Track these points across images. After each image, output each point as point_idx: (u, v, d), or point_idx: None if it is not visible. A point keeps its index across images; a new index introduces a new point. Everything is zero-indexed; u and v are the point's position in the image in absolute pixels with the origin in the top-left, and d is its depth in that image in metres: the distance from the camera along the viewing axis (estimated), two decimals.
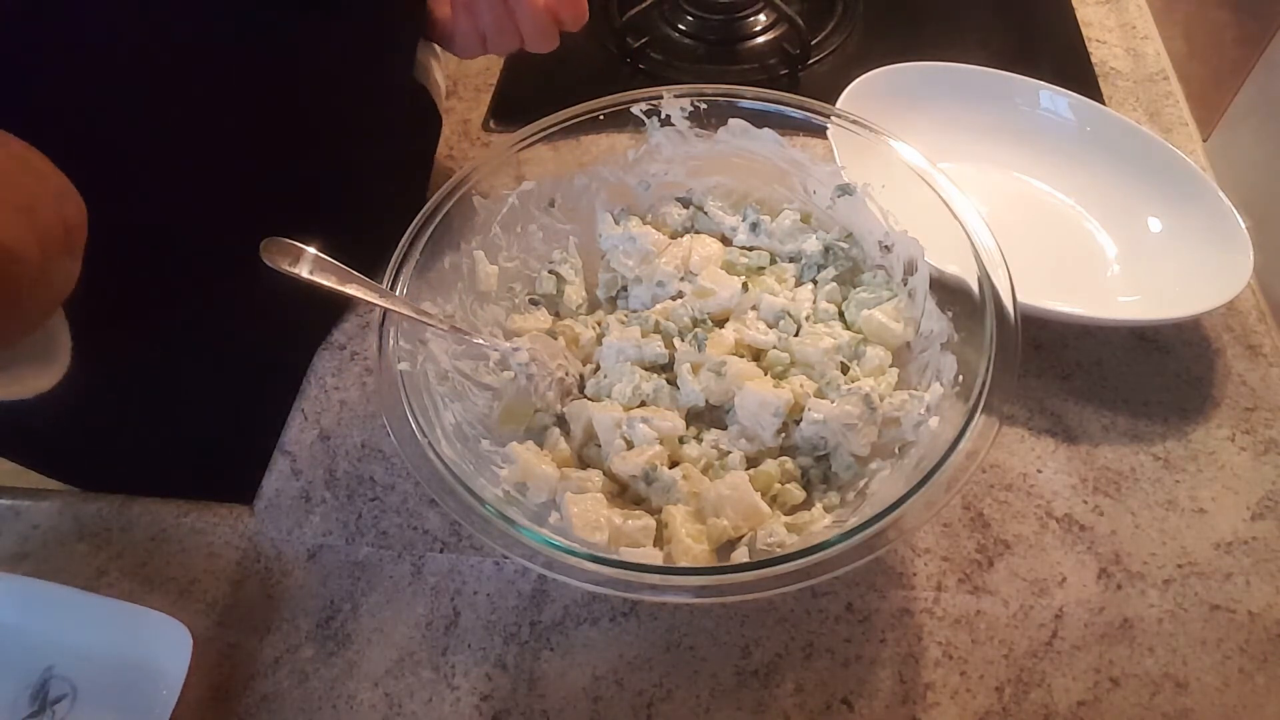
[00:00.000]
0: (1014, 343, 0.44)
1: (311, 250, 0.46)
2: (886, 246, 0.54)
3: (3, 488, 0.60)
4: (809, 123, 0.54)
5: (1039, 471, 0.56)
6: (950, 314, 0.49)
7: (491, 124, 0.78)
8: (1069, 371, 0.60)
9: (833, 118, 0.54)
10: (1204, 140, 0.74)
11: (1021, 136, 0.70)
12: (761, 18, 0.85)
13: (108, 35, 0.45)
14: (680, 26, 0.85)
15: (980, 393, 0.43)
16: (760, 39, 0.84)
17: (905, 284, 0.53)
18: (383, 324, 0.47)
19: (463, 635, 0.52)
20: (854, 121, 0.54)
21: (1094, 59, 0.80)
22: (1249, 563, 0.52)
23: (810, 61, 0.81)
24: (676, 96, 0.55)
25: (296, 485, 0.58)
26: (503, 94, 0.81)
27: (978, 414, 0.42)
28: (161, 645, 0.49)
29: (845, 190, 0.55)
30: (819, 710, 0.48)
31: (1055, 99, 0.69)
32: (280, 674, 0.51)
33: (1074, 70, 0.78)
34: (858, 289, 0.55)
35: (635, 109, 0.55)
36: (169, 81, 0.48)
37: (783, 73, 0.80)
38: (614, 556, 0.42)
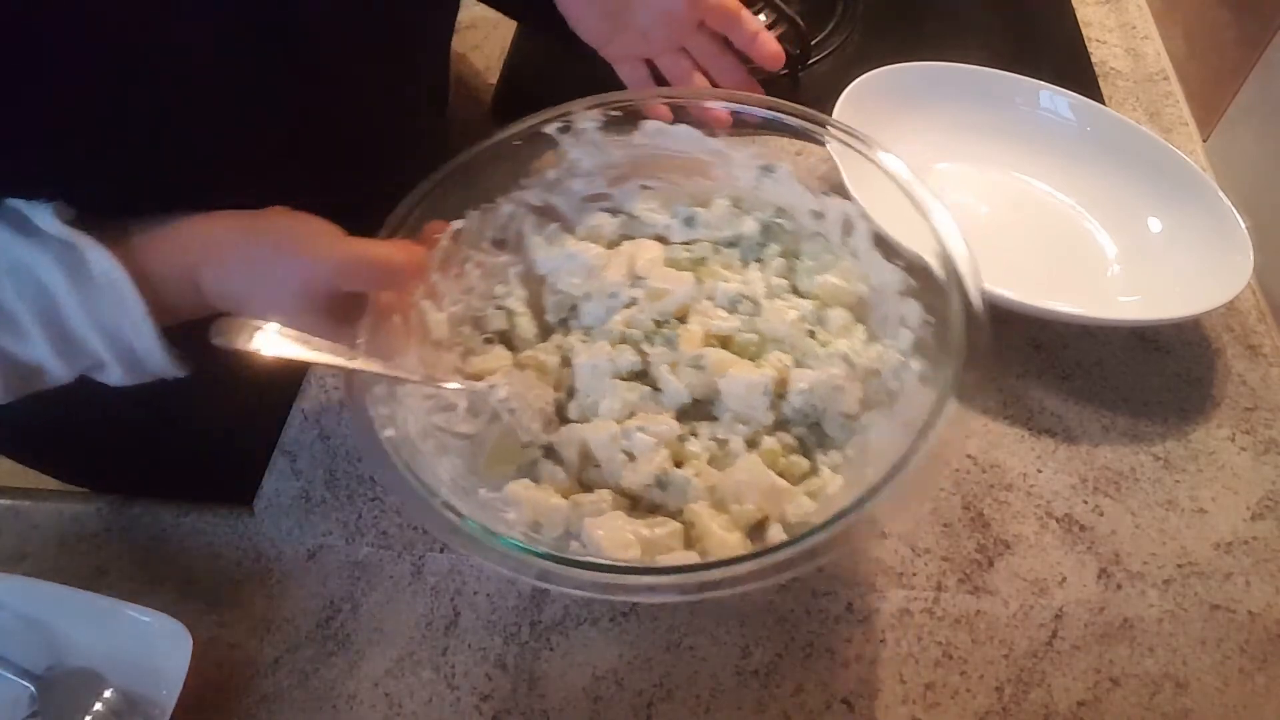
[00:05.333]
0: (972, 272, 0.45)
1: (272, 325, 0.43)
2: (819, 214, 0.54)
3: (3, 488, 0.61)
4: (738, 115, 0.54)
5: (1039, 471, 0.56)
6: (899, 263, 0.50)
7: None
8: (1069, 371, 0.60)
9: (742, 105, 0.54)
10: (1204, 140, 0.74)
11: (1021, 136, 0.70)
12: (761, 18, 0.85)
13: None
14: None
15: (957, 330, 0.43)
16: None
17: (846, 245, 0.54)
18: (355, 393, 0.45)
19: (463, 635, 0.52)
20: (771, 108, 0.54)
21: (1094, 59, 0.80)
22: (1249, 563, 0.52)
23: (810, 61, 0.80)
24: (586, 109, 0.55)
25: (296, 485, 0.58)
26: (503, 97, 0.81)
27: (956, 353, 0.43)
28: (161, 645, 0.49)
29: (768, 170, 0.55)
30: (819, 710, 0.48)
31: (1055, 99, 0.69)
32: (280, 674, 0.51)
33: (1074, 70, 0.78)
34: (802, 259, 0.56)
35: (548, 129, 0.55)
36: (195, 71, 0.49)
37: (783, 73, 0.80)
38: (681, 563, 0.42)
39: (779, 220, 0.56)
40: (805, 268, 0.55)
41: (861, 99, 0.67)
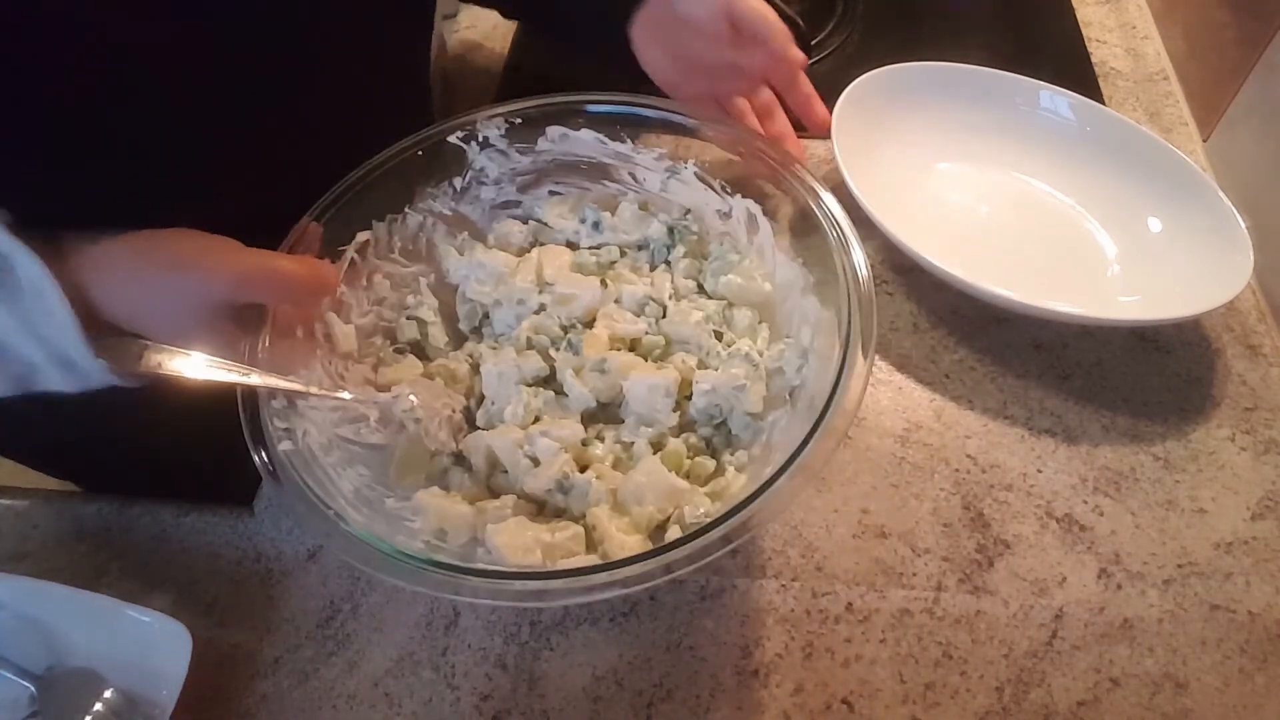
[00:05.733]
0: (866, 270, 0.46)
1: (159, 345, 0.43)
2: (724, 214, 0.55)
3: (3, 488, 0.61)
4: (634, 116, 0.55)
5: (1039, 471, 0.56)
6: (800, 260, 0.51)
7: None
8: (1069, 371, 0.60)
9: (648, 108, 0.55)
10: (1204, 140, 0.74)
11: (1022, 136, 0.70)
12: None
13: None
14: None
15: (848, 321, 0.44)
16: None
17: (751, 244, 0.54)
18: (250, 408, 0.44)
19: (463, 635, 0.52)
20: (668, 110, 0.55)
21: (1094, 59, 0.80)
22: (1249, 563, 0.52)
23: (810, 61, 0.80)
24: (489, 118, 0.55)
25: None
26: (504, 97, 0.80)
27: (851, 343, 0.43)
28: (161, 645, 0.49)
29: (673, 172, 0.56)
30: (819, 710, 0.48)
31: (1055, 99, 0.69)
32: (280, 674, 0.51)
33: (1074, 70, 0.78)
34: (710, 260, 0.56)
35: (452, 138, 0.55)
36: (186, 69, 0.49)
37: None
38: (547, 569, 0.43)
39: (685, 222, 0.57)
40: (712, 268, 0.55)
41: (861, 99, 0.67)
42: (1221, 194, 0.61)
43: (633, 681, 0.50)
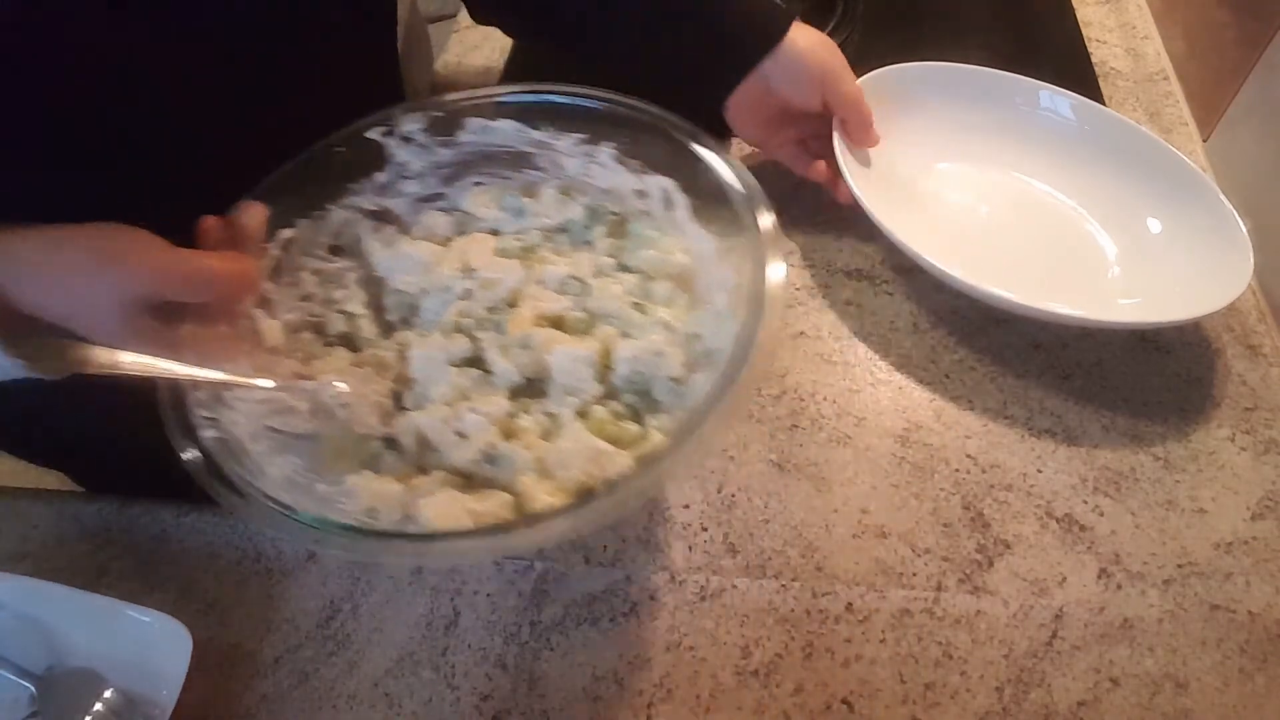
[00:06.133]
0: (771, 234, 0.47)
1: (76, 340, 0.43)
2: (642, 193, 0.56)
3: (3, 488, 0.61)
4: (550, 104, 0.56)
5: (1039, 471, 0.56)
6: (714, 230, 0.52)
7: None
8: (1069, 371, 0.60)
9: (562, 94, 0.56)
10: (1204, 140, 0.74)
11: (1022, 137, 0.70)
12: None
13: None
14: None
15: (759, 278, 0.45)
16: None
17: (669, 220, 0.55)
18: (173, 400, 0.44)
19: (463, 635, 0.52)
20: (582, 96, 0.55)
21: (1094, 59, 0.80)
22: (1249, 563, 0.52)
23: None
24: (408, 113, 0.56)
25: None
26: None
27: (762, 301, 0.44)
28: (161, 645, 0.49)
29: (591, 156, 0.57)
30: (819, 710, 0.48)
31: (1055, 99, 0.69)
32: (280, 674, 0.51)
33: (1074, 70, 0.78)
34: (629, 237, 0.57)
35: (371, 134, 0.56)
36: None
37: None
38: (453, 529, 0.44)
39: (604, 203, 0.58)
40: (631, 245, 0.57)
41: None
42: (1222, 195, 0.61)
43: (633, 681, 0.50)
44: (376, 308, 0.57)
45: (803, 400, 0.60)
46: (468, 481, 0.49)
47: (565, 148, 0.57)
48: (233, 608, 0.54)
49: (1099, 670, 0.49)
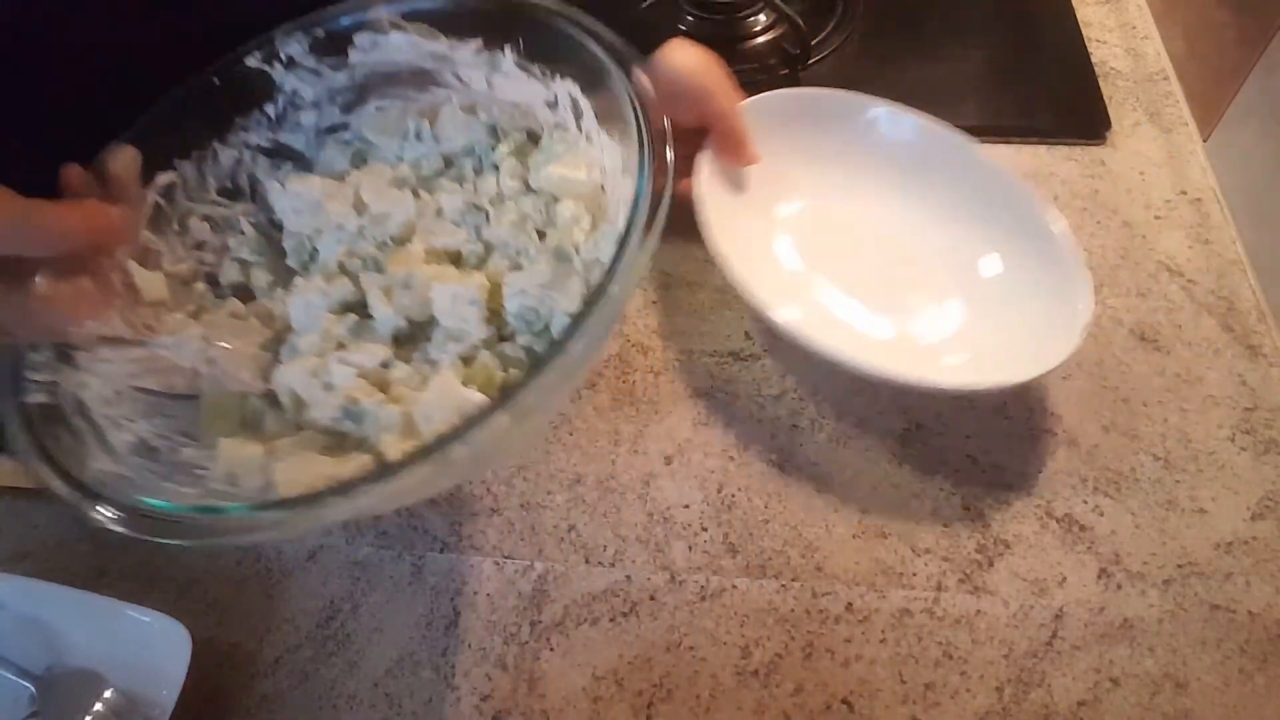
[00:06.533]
0: (663, 139, 0.42)
1: None
2: (551, 103, 0.50)
3: (3, 488, 0.61)
4: (434, 10, 0.50)
5: (1039, 471, 0.56)
6: (616, 136, 0.46)
7: None
8: (1069, 371, 0.60)
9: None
10: (1204, 140, 0.74)
11: (867, 164, 0.63)
12: (761, 18, 0.85)
13: None
14: (680, 27, 0.85)
15: (637, 194, 0.40)
16: (760, 39, 0.84)
17: (581, 132, 0.50)
18: (13, 359, 0.41)
19: (463, 635, 0.52)
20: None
21: (1094, 59, 0.80)
22: (1249, 563, 0.52)
23: (810, 61, 0.80)
24: (288, 34, 0.50)
25: None
26: None
27: (637, 215, 0.39)
28: (161, 645, 0.49)
29: (493, 65, 0.51)
30: (819, 710, 0.48)
31: (899, 120, 0.62)
32: (280, 674, 0.51)
33: (1074, 70, 0.78)
34: (534, 155, 0.52)
35: (251, 61, 0.50)
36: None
37: (783, 73, 0.80)
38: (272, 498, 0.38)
39: (510, 119, 0.52)
40: (537, 163, 0.51)
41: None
42: (1059, 233, 0.55)
43: (633, 681, 0.50)
44: (278, 254, 0.52)
45: (803, 400, 0.60)
46: (340, 441, 0.45)
47: (465, 58, 0.51)
48: (233, 608, 0.54)
49: (1099, 670, 0.49)
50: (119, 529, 0.36)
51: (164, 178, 0.48)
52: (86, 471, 0.38)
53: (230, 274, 0.51)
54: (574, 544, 0.55)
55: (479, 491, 0.57)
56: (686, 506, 0.56)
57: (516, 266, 0.47)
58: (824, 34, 0.83)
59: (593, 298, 0.37)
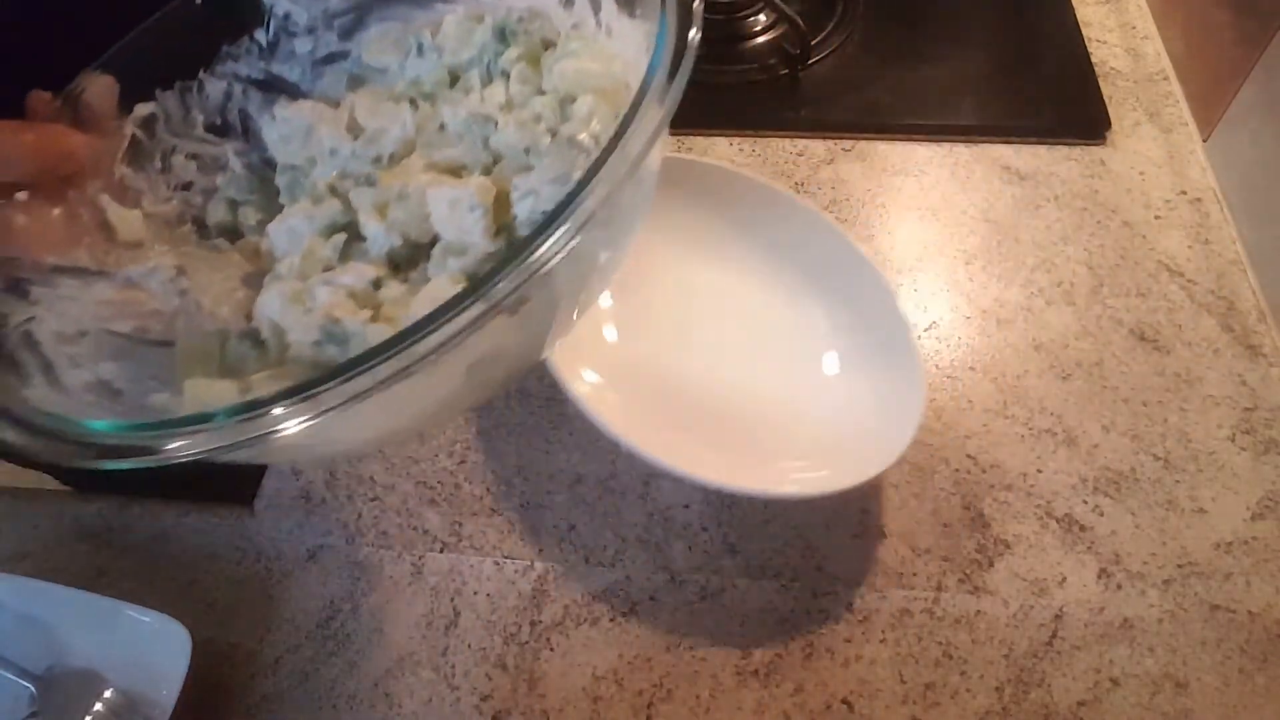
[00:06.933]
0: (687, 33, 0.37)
1: None
2: (567, 1, 0.46)
3: (3, 488, 0.61)
4: None
5: (1039, 471, 0.56)
6: (639, 13, 0.42)
7: None
8: (1069, 371, 0.60)
9: None
10: (1204, 140, 0.74)
11: (722, 242, 0.59)
12: (761, 18, 0.85)
13: None
14: None
15: (658, 63, 0.35)
16: (760, 39, 0.84)
17: (599, 25, 0.45)
18: None
19: (463, 635, 0.52)
20: None
21: (1094, 59, 0.80)
22: (1249, 563, 0.52)
23: (810, 61, 0.80)
24: None
25: (296, 485, 0.58)
26: None
27: (652, 84, 0.35)
28: (161, 645, 0.49)
29: None
30: (819, 710, 0.48)
31: (760, 193, 0.57)
32: (280, 674, 0.51)
33: (1074, 70, 0.78)
34: (550, 57, 0.47)
35: None
36: None
37: (783, 73, 0.80)
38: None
39: (519, 20, 0.48)
40: (549, 63, 0.47)
41: None
42: (899, 310, 0.54)
43: (633, 681, 0.50)
44: (271, 193, 0.48)
45: None
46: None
47: None
48: (233, 608, 0.54)
49: (1099, 670, 0.49)
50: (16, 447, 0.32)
51: (143, 108, 0.45)
52: (14, 399, 0.34)
53: (217, 213, 0.47)
54: (574, 544, 0.55)
55: (479, 491, 0.57)
56: (686, 506, 0.56)
57: (526, 169, 0.42)
58: (824, 34, 0.83)
59: (606, 151, 0.32)
